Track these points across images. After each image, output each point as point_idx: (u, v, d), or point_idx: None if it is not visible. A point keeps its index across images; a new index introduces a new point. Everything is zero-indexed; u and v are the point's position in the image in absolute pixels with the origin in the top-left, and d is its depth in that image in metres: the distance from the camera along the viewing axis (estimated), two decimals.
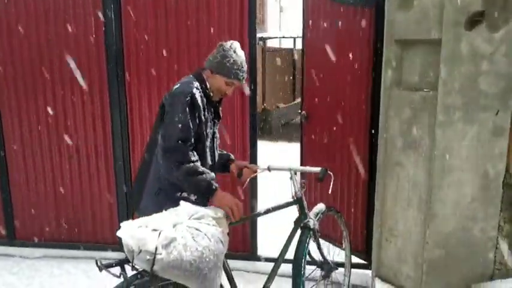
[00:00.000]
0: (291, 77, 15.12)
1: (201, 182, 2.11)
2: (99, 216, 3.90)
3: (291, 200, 2.67)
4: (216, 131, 2.48)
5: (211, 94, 2.33)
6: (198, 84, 2.25)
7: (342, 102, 3.60)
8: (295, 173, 2.67)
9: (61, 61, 3.65)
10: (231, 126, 3.57)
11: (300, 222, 2.67)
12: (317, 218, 2.75)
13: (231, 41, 2.37)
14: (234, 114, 3.55)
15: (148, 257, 1.69)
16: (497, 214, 2.56)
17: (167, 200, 2.19)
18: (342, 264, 3.18)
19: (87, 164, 3.81)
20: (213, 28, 3.43)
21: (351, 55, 3.46)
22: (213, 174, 2.19)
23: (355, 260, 3.44)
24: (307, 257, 2.63)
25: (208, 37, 3.43)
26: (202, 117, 2.25)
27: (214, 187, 2.13)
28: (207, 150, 2.36)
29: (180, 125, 2.12)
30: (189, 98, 2.16)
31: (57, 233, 3.97)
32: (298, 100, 15.45)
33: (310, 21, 3.89)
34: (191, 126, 2.16)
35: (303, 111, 3.97)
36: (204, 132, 2.30)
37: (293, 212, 2.73)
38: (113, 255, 3.69)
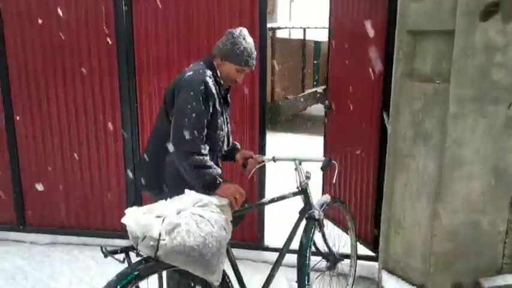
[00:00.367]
0: (301, 68, 15.07)
1: (206, 176, 2.12)
2: (108, 204, 3.93)
3: (296, 190, 2.67)
4: (228, 117, 2.48)
5: (222, 82, 2.33)
6: (210, 72, 2.24)
7: (358, 92, 3.64)
8: (300, 163, 2.67)
9: (71, 46, 3.66)
10: (240, 117, 3.56)
11: (305, 213, 2.67)
12: (322, 208, 2.74)
13: (240, 28, 2.36)
14: (243, 104, 3.54)
15: (152, 243, 1.71)
16: (506, 208, 2.54)
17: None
18: (348, 256, 3.18)
19: (97, 152, 3.84)
20: (223, 17, 3.42)
21: (366, 46, 3.46)
22: (219, 170, 2.20)
23: (362, 251, 3.44)
24: (313, 247, 2.64)
25: (219, 26, 3.42)
26: (217, 106, 2.25)
27: (218, 182, 2.15)
28: (222, 137, 2.38)
29: (193, 114, 2.12)
30: (203, 86, 2.15)
31: (67, 220, 4.01)
32: (308, 91, 15.49)
33: (335, 12, 3.98)
34: (204, 116, 2.16)
35: (326, 101, 4.14)
36: (219, 120, 2.31)
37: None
38: (121, 242, 3.73)
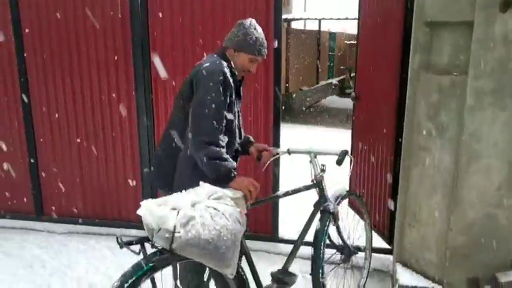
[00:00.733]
0: (316, 60, 14.97)
1: (221, 168, 2.11)
2: (124, 194, 3.98)
3: (311, 183, 2.66)
4: (239, 110, 2.48)
5: (236, 73, 2.33)
6: (226, 64, 2.25)
7: (378, 84, 3.66)
8: (315, 156, 2.66)
9: (86, 37, 3.70)
10: (254, 108, 3.56)
11: (320, 206, 2.66)
12: (337, 201, 2.73)
13: (250, 19, 2.37)
14: (257, 96, 3.54)
15: (167, 235, 1.72)
16: None
17: (204, 174, 2.19)
18: (362, 249, 3.17)
19: (112, 143, 3.88)
20: (238, 7, 3.41)
21: (386, 37, 3.46)
22: (235, 163, 2.19)
23: (376, 244, 3.43)
24: (327, 240, 2.63)
25: (234, 16, 3.40)
26: (233, 97, 2.27)
27: (233, 175, 2.14)
28: (236, 128, 2.39)
29: (213, 105, 2.12)
30: (222, 77, 2.16)
31: (83, 210, 4.07)
32: (323, 83, 15.40)
33: (363, 4, 4.01)
34: (223, 106, 2.17)
35: (353, 92, 4.29)
36: (233, 111, 2.31)
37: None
38: (137, 233, 3.77)
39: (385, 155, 3.55)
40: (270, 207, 3.70)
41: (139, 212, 1.77)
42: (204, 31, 3.52)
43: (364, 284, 3.17)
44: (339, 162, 2.56)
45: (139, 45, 3.60)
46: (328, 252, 2.68)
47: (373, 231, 3.28)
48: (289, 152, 2.68)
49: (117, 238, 1.72)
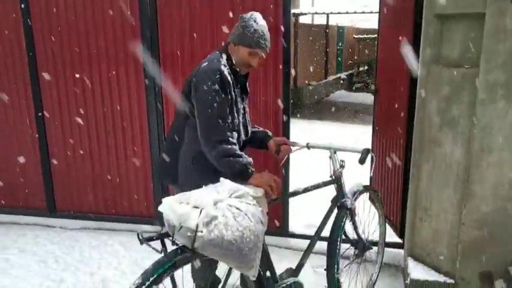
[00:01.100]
0: (324, 54, 14.90)
1: (235, 165, 2.10)
2: (135, 190, 4.01)
3: (330, 179, 2.64)
4: (246, 106, 2.47)
5: (238, 69, 2.32)
6: (225, 60, 2.24)
7: (393, 77, 3.67)
8: (335, 152, 2.63)
9: (96, 32, 3.72)
10: (264, 103, 3.56)
11: (337, 202, 2.64)
12: (354, 197, 2.71)
13: (251, 12, 2.33)
14: (267, 90, 3.54)
15: (189, 234, 1.69)
16: None
17: (205, 167, 2.20)
18: (376, 243, 3.17)
19: (123, 139, 3.90)
20: (247, 2, 3.41)
21: (399, 31, 3.45)
22: (250, 159, 2.17)
23: (389, 238, 3.41)
24: (343, 235, 2.62)
25: (243, 11, 3.38)
26: (233, 94, 2.25)
27: (250, 171, 2.12)
28: (240, 126, 2.38)
29: (215, 104, 2.12)
30: (218, 75, 2.15)
31: (95, 206, 4.11)
32: (331, 78, 15.33)
33: None
34: (225, 103, 2.17)
35: (373, 85, 4.39)
36: (235, 108, 2.30)
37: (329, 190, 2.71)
38: (148, 228, 3.80)
39: (399, 148, 3.53)
40: (280, 202, 3.70)
41: (160, 208, 1.75)
42: (213, 28, 3.51)
43: (376, 279, 3.16)
44: (362, 161, 2.50)
45: (149, 41, 3.61)
46: (343, 247, 2.66)
47: (387, 225, 3.27)
48: (308, 146, 2.65)
49: (137, 234, 1.69)
